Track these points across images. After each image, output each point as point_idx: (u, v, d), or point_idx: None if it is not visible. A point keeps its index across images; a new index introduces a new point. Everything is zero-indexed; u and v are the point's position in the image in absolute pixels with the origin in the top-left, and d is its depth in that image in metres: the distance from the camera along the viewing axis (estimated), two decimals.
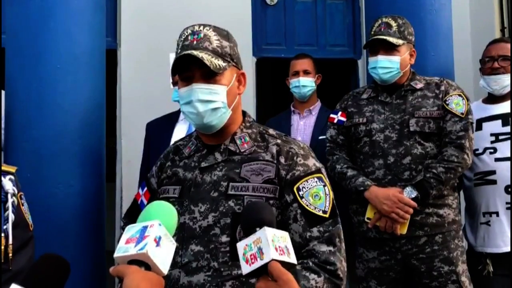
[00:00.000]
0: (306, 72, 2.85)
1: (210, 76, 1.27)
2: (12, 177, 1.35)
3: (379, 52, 2.19)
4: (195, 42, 1.28)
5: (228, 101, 1.30)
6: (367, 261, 2.21)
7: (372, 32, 2.23)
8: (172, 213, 0.94)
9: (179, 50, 1.30)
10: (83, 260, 2.11)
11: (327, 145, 2.35)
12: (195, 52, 1.24)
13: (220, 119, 1.30)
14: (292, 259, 0.88)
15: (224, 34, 1.33)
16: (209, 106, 1.28)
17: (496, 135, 2.26)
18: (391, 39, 2.15)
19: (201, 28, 1.31)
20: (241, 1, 3.80)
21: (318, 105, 2.92)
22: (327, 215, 1.22)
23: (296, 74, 2.86)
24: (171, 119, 2.35)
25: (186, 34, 1.31)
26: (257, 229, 0.89)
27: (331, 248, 1.20)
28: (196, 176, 1.32)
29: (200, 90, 1.28)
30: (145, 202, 1.45)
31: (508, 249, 2.16)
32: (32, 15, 2.13)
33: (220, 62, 1.27)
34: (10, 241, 1.24)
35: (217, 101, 1.28)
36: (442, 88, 2.18)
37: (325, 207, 1.23)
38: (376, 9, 2.67)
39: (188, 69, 1.28)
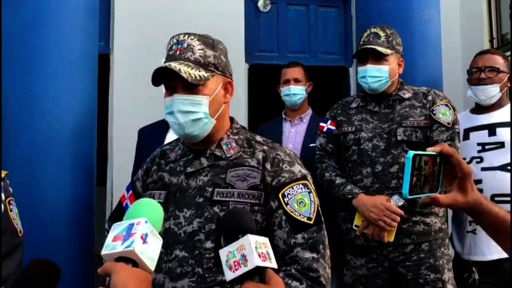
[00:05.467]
0: (296, 80, 2.86)
1: (191, 86, 1.27)
2: (1, 182, 1.34)
3: (368, 61, 2.22)
4: (178, 52, 1.30)
5: (211, 111, 1.31)
6: (355, 268, 2.23)
7: (361, 42, 2.27)
8: (157, 210, 0.95)
9: (164, 60, 1.32)
10: (73, 263, 2.11)
11: (316, 153, 2.38)
12: (173, 64, 1.25)
13: (202, 129, 1.31)
14: (273, 264, 0.90)
15: (209, 43, 1.33)
16: (190, 117, 1.29)
17: (483, 144, 2.30)
18: (379, 49, 2.19)
19: (186, 37, 1.31)
20: (234, 7, 3.82)
21: (309, 113, 2.93)
22: (311, 222, 1.23)
23: (287, 82, 2.87)
24: (163, 125, 2.35)
25: (172, 43, 1.33)
26: (240, 236, 0.91)
27: (314, 255, 1.20)
28: (181, 181, 1.33)
29: (181, 101, 1.29)
30: (129, 205, 1.46)
31: (493, 257, 2.18)
32: (24, 19, 2.14)
33: (201, 73, 1.27)
34: None
35: (199, 112, 1.29)
36: (430, 98, 2.22)
37: (309, 213, 1.24)
38: (366, 19, 2.71)
39: (171, 79, 1.28)
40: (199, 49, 1.30)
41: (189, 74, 1.25)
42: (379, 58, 2.20)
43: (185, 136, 1.34)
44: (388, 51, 2.21)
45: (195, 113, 1.29)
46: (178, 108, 1.29)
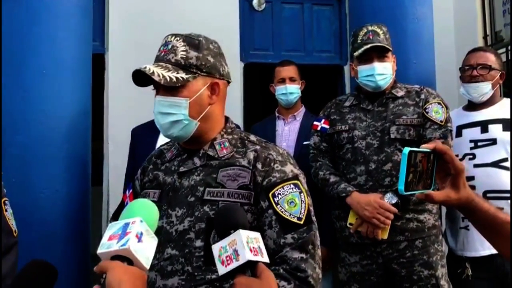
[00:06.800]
0: (292, 79, 2.86)
1: (171, 88, 1.28)
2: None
3: (373, 59, 2.21)
4: (162, 54, 1.31)
5: (193, 113, 1.30)
6: (349, 265, 2.25)
7: (359, 41, 2.24)
8: (153, 210, 0.96)
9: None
10: (68, 264, 2.11)
11: (310, 152, 2.39)
12: (148, 67, 1.26)
13: (184, 131, 1.31)
14: (265, 258, 0.92)
15: (194, 44, 1.32)
16: (169, 118, 1.30)
17: (475, 141, 2.31)
18: (386, 45, 2.20)
19: (172, 38, 1.32)
20: (229, 6, 3.82)
21: (302, 110, 2.94)
22: (301, 222, 1.23)
23: (282, 81, 2.87)
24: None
25: (162, 44, 1.34)
26: (231, 231, 0.92)
27: (303, 255, 1.20)
28: (174, 181, 1.34)
29: (160, 103, 1.30)
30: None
31: (485, 253, 2.20)
32: (17, 20, 2.14)
33: (179, 75, 1.27)
34: None
35: (177, 114, 1.29)
36: (422, 96, 2.23)
37: (300, 213, 1.24)
38: (360, 17, 2.73)
39: (153, 81, 1.29)
40: (182, 51, 1.30)
41: (163, 76, 1.25)
42: (383, 55, 2.21)
43: (167, 137, 1.36)
44: (390, 48, 2.23)
45: (173, 115, 1.30)
46: (158, 110, 1.31)
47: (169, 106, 1.29)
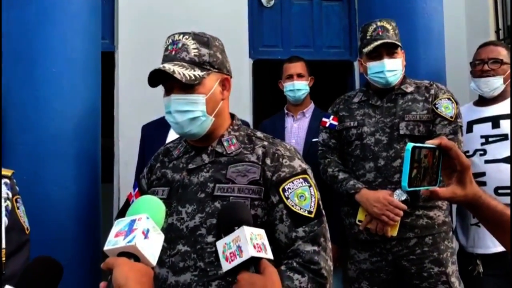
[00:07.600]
0: (300, 76, 2.85)
1: (187, 86, 1.29)
2: (8, 180, 1.37)
3: (383, 55, 2.19)
4: (173, 53, 1.31)
5: (209, 109, 1.32)
6: (359, 262, 2.24)
7: (368, 37, 2.23)
8: (159, 207, 0.97)
9: (162, 61, 1.33)
10: (79, 261, 2.14)
11: (319, 149, 2.38)
12: (167, 66, 1.27)
13: (201, 127, 1.33)
14: (268, 255, 0.93)
15: (204, 41, 1.34)
16: (187, 116, 1.31)
17: (486, 137, 2.29)
18: (396, 42, 2.18)
19: (181, 37, 1.33)
20: (238, 3, 3.81)
21: (311, 107, 2.93)
22: (312, 215, 1.25)
23: (290, 77, 2.86)
24: (166, 121, 2.37)
25: (168, 43, 1.35)
26: (235, 228, 0.93)
27: (315, 248, 1.22)
28: (183, 178, 1.35)
29: (177, 101, 1.31)
30: None
31: (497, 249, 2.18)
32: (27, 19, 2.16)
33: (196, 72, 1.29)
34: (3, 245, 1.25)
35: (196, 111, 1.31)
36: (432, 91, 2.21)
37: (310, 207, 1.26)
38: (370, 13, 2.71)
39: (168, 80, 1.30)
40: (194, 49, 1.31)
41: (183, 75, 1.26)
42: (393, 51, 2.19)
43: (184, 134, 1.37)
44: (400, 44, 2.21)
45: (192, 112, 1.31)
46: (175, 108, 1.31)
47: (186, 104, 1.30)
